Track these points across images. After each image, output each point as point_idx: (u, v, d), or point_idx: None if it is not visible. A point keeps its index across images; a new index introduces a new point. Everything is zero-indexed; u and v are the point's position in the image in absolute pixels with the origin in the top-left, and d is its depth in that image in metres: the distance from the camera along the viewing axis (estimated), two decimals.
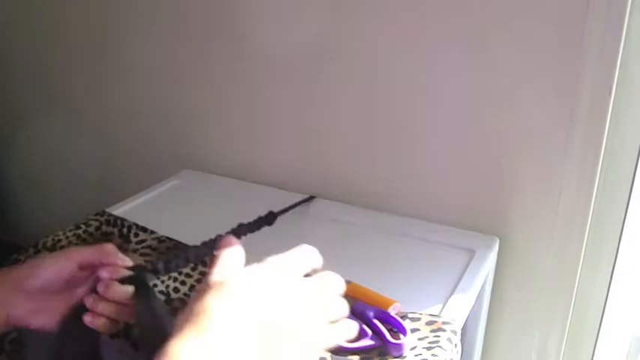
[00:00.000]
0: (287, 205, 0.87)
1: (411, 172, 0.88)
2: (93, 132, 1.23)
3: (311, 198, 0.94)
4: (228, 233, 0.76)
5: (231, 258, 0.41)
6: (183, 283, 0.71)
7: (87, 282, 0.53)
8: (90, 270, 0.53)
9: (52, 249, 0.77)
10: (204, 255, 0.69)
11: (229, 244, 0.42)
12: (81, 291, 0.52)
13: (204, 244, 0.62)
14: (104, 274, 0.51)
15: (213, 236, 0.74)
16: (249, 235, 0.80)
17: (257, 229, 0.79)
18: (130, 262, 0.53)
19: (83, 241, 0.80)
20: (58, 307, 0.51)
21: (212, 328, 0.33)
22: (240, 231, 0.77)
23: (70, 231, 0.82)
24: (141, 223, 0.84)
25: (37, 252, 0.76)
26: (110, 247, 0.53)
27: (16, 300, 0.50)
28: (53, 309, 0.51)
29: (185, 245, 0.79)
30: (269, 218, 0.82)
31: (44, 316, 0.50)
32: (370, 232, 0.84)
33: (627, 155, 0.77)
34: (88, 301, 0.50)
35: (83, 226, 0.83)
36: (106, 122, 1.20)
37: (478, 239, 0.81)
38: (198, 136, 1.07)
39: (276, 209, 0.87)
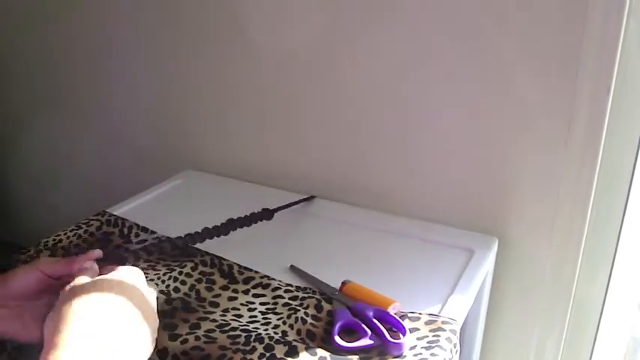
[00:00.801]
0: (285, 204, 0.88)
1: (410, 173, 0.88)
2: (95, 132, 1.23)
3: (311, 197, 0.94)
4: (221, 225, 0.77)
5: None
6: (183, 282, 0.71)
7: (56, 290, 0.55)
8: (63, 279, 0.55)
9: (54, 249, 0.77)
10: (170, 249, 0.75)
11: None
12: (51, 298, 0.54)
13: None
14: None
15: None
16: (251, 234, 0.81)
17: (251, 223, 0.81)
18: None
19: (84, 241, 0.80)
20: (32, 314, 0.53)
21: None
22: (232, 225, 0.78)
23: (71, 231, 0.82)
24: (142, 223, 0.85)
25: (39, 252, 0.76)
26: (80, 261, 0.55)
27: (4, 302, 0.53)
28: (26, 316, 0.53)
29: (188, 246, 0.79)
30: (264, 214, 0.83)
31: (17, 323, 0.52)
32: (370, 232, 0.85)
33: (626, 156, 0.77)
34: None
35: (84, 226, 0.83)
36: (108, 122, 1.20)
37: (477, 239, 0.81)
38: (199, 137, 1.08)
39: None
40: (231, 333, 0.61)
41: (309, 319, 0.64)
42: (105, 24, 1.11)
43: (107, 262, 0.56)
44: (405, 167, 0.89)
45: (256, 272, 0.73)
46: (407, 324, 0.62)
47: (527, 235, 0.82)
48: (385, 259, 0.78)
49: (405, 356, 0.58)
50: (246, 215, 0.82)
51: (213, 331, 0.62)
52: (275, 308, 0.67)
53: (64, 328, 0.43)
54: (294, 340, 0.60)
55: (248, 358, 0.57)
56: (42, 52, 1.24)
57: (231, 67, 0.98)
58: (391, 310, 0.63)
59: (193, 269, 0.74)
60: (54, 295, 0.52)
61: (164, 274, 0.72)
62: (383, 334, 0.59)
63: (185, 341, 0.60)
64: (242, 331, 0.61)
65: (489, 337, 0.90)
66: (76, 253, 0.77)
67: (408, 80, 0.83)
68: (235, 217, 0.80)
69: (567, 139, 0.75)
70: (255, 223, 0.82)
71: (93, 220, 0.85)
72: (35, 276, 0.55)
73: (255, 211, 0.83)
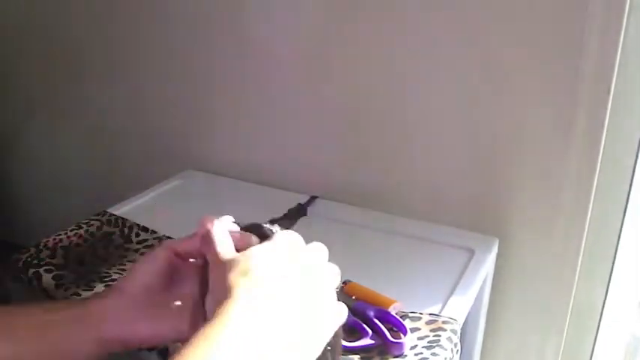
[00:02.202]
0: (299, 203, 0.90)
1: (411, 173, 0.88)
2: (95, 132, 1.23)
3: (313, 198, 0.94)
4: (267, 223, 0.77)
5: (222, 235, 0.41)
6: None
7: (193, 273, 0.44)
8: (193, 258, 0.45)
9: (54, 249, 0.77)
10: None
11: (207, 223, 0.43)
12: (189, 285, 0.44)
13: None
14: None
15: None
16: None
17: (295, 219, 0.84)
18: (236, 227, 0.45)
19: (85, 241, 0.80)
20: (175, 309, 0.44)
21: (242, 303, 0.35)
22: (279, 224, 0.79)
23: (71, 230, 0.82)
24: (142, 223, 0.85)
25: (39, 252, 0.76)
26: (212, 229, 0.42)
27: (126, 315, 0.43)
28: (162, 315, 0.44)
29: None
30: (300, 209, 0.87)
31: (163, 324, 0.43)
32: (371, 232, 0.85)
33: (626, 156, 0.77)
34: None
35: (85, 226, 0.83)
36: (109, 123, 1.20)
37: (478, 239, 0.81)
38: (200, 137, 1.08)
39: (277, 209, 0.87)
40: None
41: None
42: (105, 26, 1.11)
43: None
44: (406, 168, 0.88)
45: None
46: (408, 324, 0.62)
47: (528, 235, 0.82)
48: (386, 259, 0.78)
49: (405, 356, 0.58)
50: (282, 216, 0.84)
51: None
52: None
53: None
54: None
55: None
56: (42, 54, 1.24)
57: (234, 68, 0.98)
58: (392, 310, 0.63)
59: None
60: (188, 281, 0.44)
61: None
62: (384, 333, 0.59)
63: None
64: None
65: (490, 336, 0.90)
66: (77, 252, 0.77)
67: (409, 80, 0.83)
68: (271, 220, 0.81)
69: (567, 139, 0.75)
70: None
71: (93, 220, 0.85)
72: (164, 258, 0.44)
73: (288, 210, 0.85)
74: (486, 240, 0.82)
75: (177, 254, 0.45)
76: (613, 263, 0.83)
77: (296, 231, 0.42)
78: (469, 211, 0.85)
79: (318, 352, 0.36)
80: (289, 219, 0.83)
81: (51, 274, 0.72)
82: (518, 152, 0.79)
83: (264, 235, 0.42)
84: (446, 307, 0.67)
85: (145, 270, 0.44)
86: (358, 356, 0.58)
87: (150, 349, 0.58)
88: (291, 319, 0.35)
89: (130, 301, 0.43)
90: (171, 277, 0.45)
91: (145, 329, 0.43)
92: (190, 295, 0.44)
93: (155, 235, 0.82)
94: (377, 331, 0.60)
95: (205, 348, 0.32)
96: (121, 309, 0.43)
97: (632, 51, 0.71)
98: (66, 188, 1.34)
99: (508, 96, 0.77)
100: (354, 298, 0.66)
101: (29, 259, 0.74)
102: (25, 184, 1.45)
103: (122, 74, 1.13)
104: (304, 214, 0.87)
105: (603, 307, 0.86)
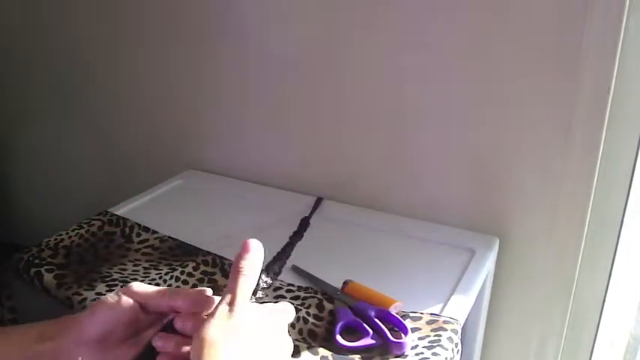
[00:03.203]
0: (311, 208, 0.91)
1: (412, 173, 0.89)
2: (96, 132, 1.23)
3: (319, 200, 0.94)
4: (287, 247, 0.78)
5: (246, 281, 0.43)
6: (185, 282, 0.72)
7: (154, 325, 0.45)
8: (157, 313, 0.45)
9: (55, 249, 0.78)
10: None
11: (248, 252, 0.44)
12: (148, 334, 0.44)
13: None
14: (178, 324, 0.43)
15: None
16: (253, 235, 0.81)
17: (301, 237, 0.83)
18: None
19: (86, 240, 0.81)
20: (124, 356, 0.43)
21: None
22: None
23: (72, 230, 0.82)
24: (143, 223, 0.85)
25: (41, 251, 0.76)
26: (183, 294, 0.45)
27: (77, 353, 0.42)
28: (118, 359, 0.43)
29: (190, 246, 0.79)
30: (304, 224, 0.86)
31: None
32: (372, 232, 0.85)
33: (625, 155, 0.77)
34: (158, 343, 0.43)
35: (86, 226, 0.83)
36: (110, 122, 1.20)
37: (478, 239, 0.82)
38: (202, 137, 1.08)
39: (279, 210, 0.87)
40: None
41: (311, 319, 0.64)
42: (104, 27, 1.11)
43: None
44: (407, 168, 0.89)
45: None
46: (408, 323, 0.62)
47: (528, 235, 0.83)
48: (387, 259, 0.78)
49: (406, 355, 0.58)
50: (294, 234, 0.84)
51: None
52: None
53: None
54: (296, 339, 0.61)
55: None
56: (44, 54, 1.24)
57: (236, 68, 0.98)
58: (393, 310, 0.63)
59: (195, 269, 0.74)
60: (143, 331, 0.44)
61: (166, 274, 0.73)
62: (385, 333, 0.59)
63: None
64: None
65: (490, 336, 0.90)
66: (78, 252, 0.78)
67: (410, 82, 0.84)
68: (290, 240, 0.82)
69: (567, 138, 0.75)
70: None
71: (95, 219, 0.85)
72: (129, 308, 0.43)
73: (298, 227, 0.85)
74: (487, 240, 0.82)
75: (143, 307, 0.44)
76: (613, 263, 0.83)
77: (256, 235, 0.47)
78: (470, 211, 0.85)
79: None
80: (294, 239, 0.82)
81: (52, 274, 0.72)
82: (519, 152, 0.79)
83: None
84: (447, 306, 0.67)
85: (105, 320, 0.43)
86: (359, 356, 0.58)
87: None
88: None
89: (84, 346, 0.42)
90: (135, 329, 0.44)
91: None
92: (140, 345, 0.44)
93: (156, 235, 0.82)
94: (378, 331, 0.60)
95: None
96: (73, 355, 0.42)
97: (632, 51, 0.71)
98: (67, 188, 1.34)
99: (508, 96, 0.77)
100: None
101: (31, 259, 0.74)
102: (26, 183, 1.45)
103: (123, 74, 1.13)
104: (307, 225, 0.86)
105: (603, 306, 0.86)
